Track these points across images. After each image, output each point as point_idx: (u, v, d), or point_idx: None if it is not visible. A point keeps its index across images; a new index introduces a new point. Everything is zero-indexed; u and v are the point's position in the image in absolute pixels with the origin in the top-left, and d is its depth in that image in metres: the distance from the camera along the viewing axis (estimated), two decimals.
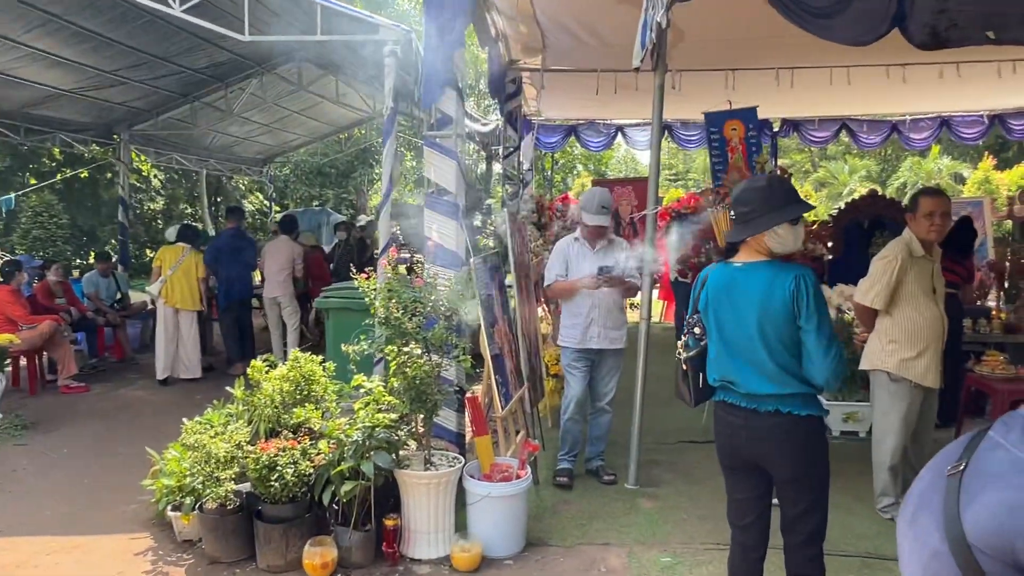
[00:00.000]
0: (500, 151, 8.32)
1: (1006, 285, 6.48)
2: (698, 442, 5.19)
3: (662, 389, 6.29)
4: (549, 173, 21.69)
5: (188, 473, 3.61)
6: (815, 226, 7.84)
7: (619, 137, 10.98)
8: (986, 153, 16.80)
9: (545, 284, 4.48)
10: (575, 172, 23.61)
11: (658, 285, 10.89)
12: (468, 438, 4.36)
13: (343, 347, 3.47)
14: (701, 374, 2.70)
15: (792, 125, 10.78)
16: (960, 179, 17.50)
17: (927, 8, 4.13)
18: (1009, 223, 8.81)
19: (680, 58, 7.07)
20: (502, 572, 3.44)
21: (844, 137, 11.95)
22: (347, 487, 3.28)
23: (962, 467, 1.52)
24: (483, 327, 3.85)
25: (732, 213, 2.58)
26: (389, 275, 3.66)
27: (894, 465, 3.90)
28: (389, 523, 3.43)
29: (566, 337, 4.40)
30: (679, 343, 2.75)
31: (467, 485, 3.58)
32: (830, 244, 7.73)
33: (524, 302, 4.83)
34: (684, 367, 2.73)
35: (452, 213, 4.20)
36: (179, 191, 17.95)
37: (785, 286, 2.42)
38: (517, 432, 4.45)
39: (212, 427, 3.85)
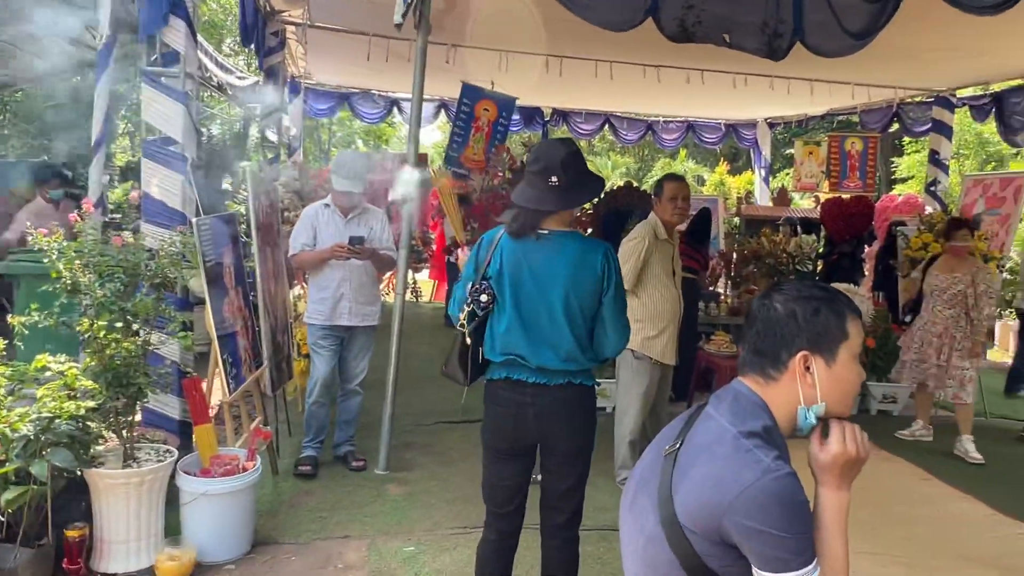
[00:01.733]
0: (259, 110, 7.56)
1: (732, 273, 7.23)
2: (456, 422, 5.07)
3: (423, 368, 6.16)
4: (327, 145, 20.65)
5: None
6: (579, 214, 8.17)
7: (395, 110, 10.61)
8: (722, 159, 19.06)
9: (290, 253, 4.03)
10: (354, 146, 22.75)
11: (429, 265, 10.78)
12: None
13: (9, 319, 2.76)
14: (480, 348, 2.48)
15: (562, 115, 11.21)
16: (701, 181, 19.70)
17: (677, 3, 4.34)
18: (737, 219, 9.95)
19: (455, 32, 6.93)
20: None
21: (609, 135, 12.75)
22: (10, 495, 2.60)
23: (678, 445, 1.42)
24: (207, 299, 3.33)
25: (553, 179, 2.30)
26: (85, 233, 3.00)
27: (634, 439, 4.06)
28: (73, 534, 2.81)
29: (313, 313, 3.99)
30: (461, 314, 2.44)
31: (180, 482, 3.06)
32: (590, 231, 8.09)
33: (269, 273, 4.33)
34: (468, 341, 2.44)
35: (178, 165, 3.60)
36: None
37: (597, 260, 2.36)
38: (254, 419, 3.97)
39: None
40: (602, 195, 7.75)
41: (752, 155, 12.91)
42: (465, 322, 2.42)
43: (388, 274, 5.06)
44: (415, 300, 10.23)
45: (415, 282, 10.25)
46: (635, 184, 8.52)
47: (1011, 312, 7.85)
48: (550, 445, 2.45)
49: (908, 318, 5.47)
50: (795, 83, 8.23)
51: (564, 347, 2.35)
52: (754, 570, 1.24)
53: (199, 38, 4.44)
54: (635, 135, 11.77)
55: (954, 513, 4.10)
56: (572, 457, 2.46)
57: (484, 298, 2.39)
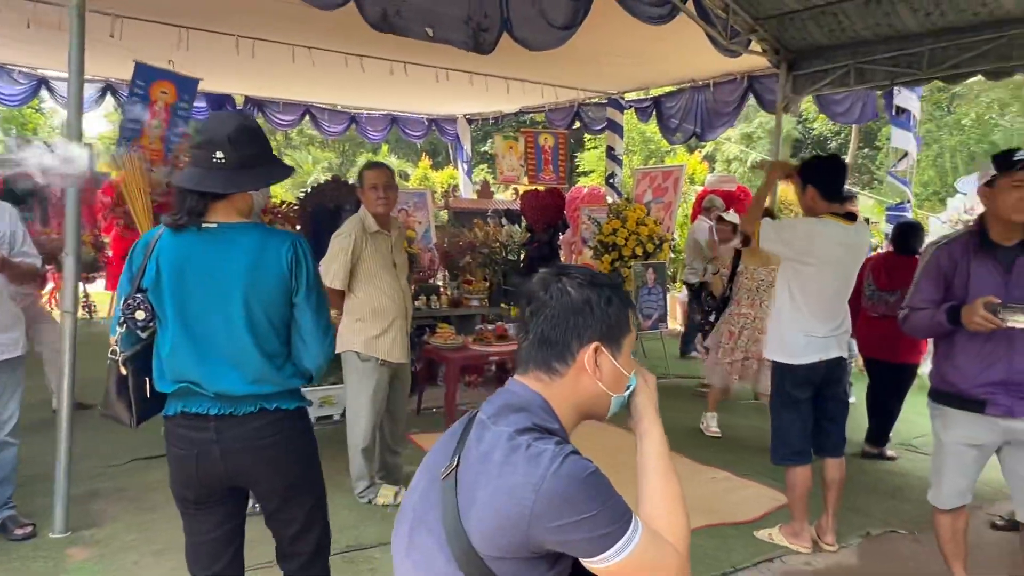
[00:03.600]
0: None
1: (448, 265, 7.33)
2: (157, 456, 4.31)
3: None
4: None
5: None
6: (284, 207, 7.61)
7: (43, 91, 8.84)
8: (424, 154, 19.51)
9: None
10: (11, 133, 18.65)
11: (105, 274, 9.23)
12: None
13: None
14: (147, 379, 1.98)
15: (257, 104, 10.38)
16: (406, 176, 19.95)
17: None
18: (445, 213, 10.21)
19: (122, 1, 5.98)
20: None
21: (310, 129, 12.14)
22: None
23: (455, 464, 1.17)
24: None
25: (219, 155, 1.88)
26: None
27: (368, 447, 3.82)
28: None
29: None
30: (113, 337, 1.96)
31: None
32: (299, 227, 7.59)
33: None
34: (123, 371, 1.95)
35: None
36: None
37: (281, 254, 1.94)
38: None
39: None
40: (309, 191, 7.33)
41: (453, 150, 13.34)
42: (118, 347, 1.94)
43: (49, 288, 4.08)
44: (89, 317, 8.67)
45: (87, 296, 8.68)
46: (342, 178, 8.20)
47: (679, 285, 9.19)
48: (255, 488, 2.06)
49: (713, 317, 5.39)
50: (493, 80, 8.64)
51: (251, 366, 1.94)
52: (584, 563, 1.15)
53: None
54: (339, 127, 11.40)
55: None
56: (292, 496, 2.06)
57: (141, 315, 1.92)
